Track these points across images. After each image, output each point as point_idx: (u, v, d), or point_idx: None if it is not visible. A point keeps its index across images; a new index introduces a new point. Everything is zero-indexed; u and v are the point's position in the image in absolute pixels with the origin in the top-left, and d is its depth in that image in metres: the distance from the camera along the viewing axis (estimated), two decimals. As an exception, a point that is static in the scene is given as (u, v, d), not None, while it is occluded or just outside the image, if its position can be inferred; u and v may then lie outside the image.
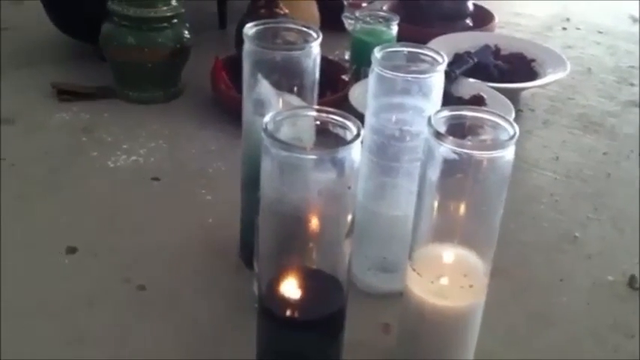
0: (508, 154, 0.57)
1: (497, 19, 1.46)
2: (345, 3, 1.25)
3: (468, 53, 1.23)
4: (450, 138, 0.56)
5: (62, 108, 1.10)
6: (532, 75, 1.22)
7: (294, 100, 0.70)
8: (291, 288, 0.59)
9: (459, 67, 1.16)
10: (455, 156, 0.57)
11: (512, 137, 0.57)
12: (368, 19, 1.15)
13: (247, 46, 0.69)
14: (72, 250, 0.81)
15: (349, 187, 0.56)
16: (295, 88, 0.70)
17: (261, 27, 0.70)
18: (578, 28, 1.60)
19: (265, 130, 0.55)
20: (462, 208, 0.60)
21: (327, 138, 0.57)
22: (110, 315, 0.73)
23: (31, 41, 1.31)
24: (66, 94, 1.12)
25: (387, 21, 1.15)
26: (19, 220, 0.85)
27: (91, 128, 1.06)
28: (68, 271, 0.79)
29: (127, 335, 0.71)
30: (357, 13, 1.17)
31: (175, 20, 1.12)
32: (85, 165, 0.98)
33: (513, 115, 1.03)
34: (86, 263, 0.80)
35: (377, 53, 0.69)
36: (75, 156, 1.00)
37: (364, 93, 0.78)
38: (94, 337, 0.70)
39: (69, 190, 0.92)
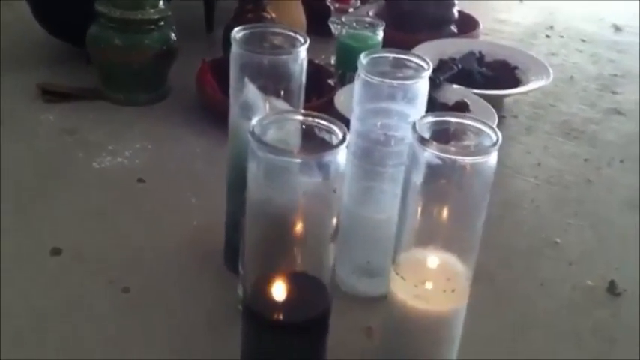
0: (491, 160, 0.58)
1: (481, 26, 1.47)
2: (332, 8, 1.26)
3: (453, 60, 1.24)
4: (434, 144, 0.57)
5: (47, 109, 1.10)
6: (515, 82, 1.23)
7: (281, 104, 0.70)
8: (275, 290, 0.59)
9: (444, 73, 1.17)
10: (439, 161, 0.57)
11: (495, 143, 0.58)
12: (354, 24, 1.17)
13: (235, 50, 0.70)
14: (57, 252, 0.81)
15: (334, 191, 0.56)
16: (282, 92, 0.70)
17: (249, 31, 0.71)
18: (562, 36, 1.61)
19: (252, 133, 0.55)
20: (445, 213, 0.61)
21: (313, 142, 0.58)
22: (94, 316, 0.73)
23: (18, 42, 1.30)
24: (51, 95, 1.12)
25: (373, 27, 1.16)
26: (2, 220, 0.85)
27: (76, 129, 1.06)
28: (52, 272, 0.79)
29: (109, 337, 0.71)
30: (344, 19, 1.18)
31: (162, 23, 1.13)
32: (70, 166, 0.98)
33: (496, 121, 1.04)
34: (71, 265, 0.80)
35: (363, 59, 0.70)
36: (60, 157, 0.99)
37: (350, 98, 0.79)
38: (77, 338, 0.70)
39: (53, 191, 0.92)
